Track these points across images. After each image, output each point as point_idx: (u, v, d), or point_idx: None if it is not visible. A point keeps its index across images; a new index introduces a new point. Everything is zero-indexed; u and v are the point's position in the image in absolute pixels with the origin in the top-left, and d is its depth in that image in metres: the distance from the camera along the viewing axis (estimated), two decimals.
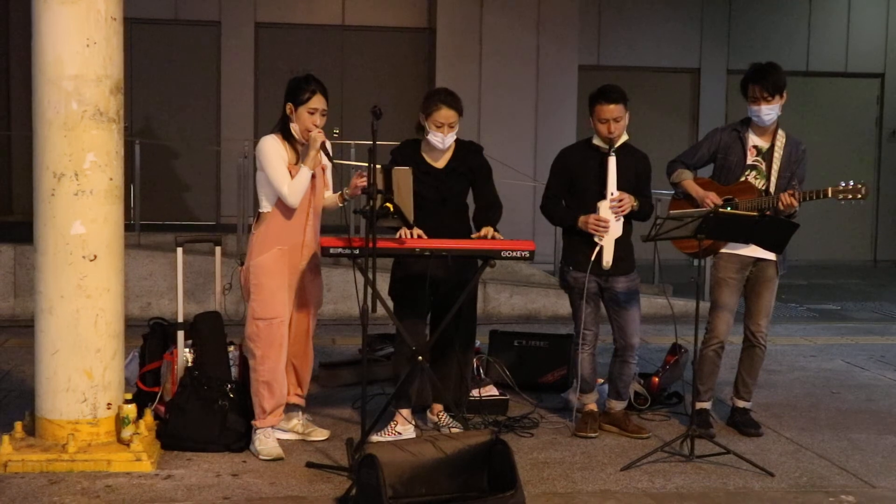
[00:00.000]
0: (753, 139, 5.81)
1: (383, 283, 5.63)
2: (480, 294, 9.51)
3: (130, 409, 5.12)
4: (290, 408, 5.58)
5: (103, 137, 5.05)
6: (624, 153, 5.67)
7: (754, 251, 5.70)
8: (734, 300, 5.85)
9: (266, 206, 5.34)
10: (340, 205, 5.51)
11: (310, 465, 5.12)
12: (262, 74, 13.00)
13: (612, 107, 5.57)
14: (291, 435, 5.56)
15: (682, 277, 10.25)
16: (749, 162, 5.80)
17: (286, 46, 13.19)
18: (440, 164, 5.61)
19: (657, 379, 6.40)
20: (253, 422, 5.33)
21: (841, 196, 5.64)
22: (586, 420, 5.82)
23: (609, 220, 5.56)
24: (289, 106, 5.31)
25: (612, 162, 5.57)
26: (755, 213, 5.45)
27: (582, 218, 5.61)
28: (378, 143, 4.93)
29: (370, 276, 4.97)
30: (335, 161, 5.35)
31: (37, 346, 5.15)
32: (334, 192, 5.56)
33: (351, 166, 10.31)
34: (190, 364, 5.58)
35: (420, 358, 5.30)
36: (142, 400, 5.52)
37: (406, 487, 4.30)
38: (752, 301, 5.90)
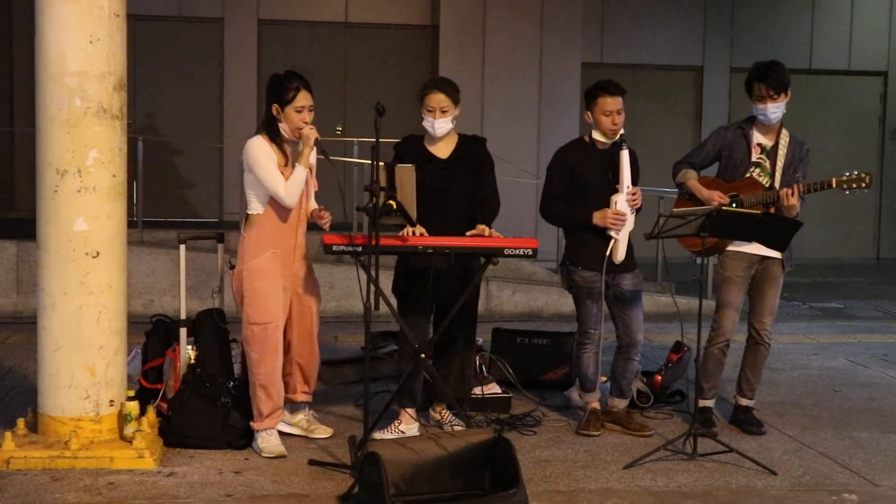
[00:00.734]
0: (758, 137, 5.82)
1: (386, 281, 5.63)
2: (483, 292, 9.51)
3: (133, 406, 5.12)
4: (297, 403, 5.57)
5: (106, 134, 5.05)
6: (615, 147, 5.65)
7: (760, 249, 5.70)
8: (740, 298, 5.86)
9: (257, 208, 5.27)
10: (309, 218, 5.46)
11: (312, 462, 5.12)
12: (265, 71, 12.97)
13: (615, 98, 5.58)
14: (296, 430, 5.55)
15: (684, 275, 10.24)
16: (753, 159, 5.80)
17: (289, 43, 13.19)
18: (443, 153, 5.60)
19: (660, 377, 6.40)
20: (252, 423, 5.32)
21: (845, 185, 5.62)
22: (589, 418, 5.81)
23: (627, 213, 5.56)
24: (275, 107, 5.24)
25: (624, 155, 5.57)
26: (758, 212, 5.46)
27: (598, 213, 5.58)
28: (381, 140, 4.92)
29: (373, 273, 4.96)
30: (338, 159, 5.32)
31: (39, 343, 5.15)
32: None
33: (353, 163, 10.32)
34: (192, 361, 5.58)
35: (423, 355, 5.30)
36: (144, 397, 5.53)
37: (408, 485, 4.30)
38: (756, 299, 5.90)
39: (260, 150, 5.21)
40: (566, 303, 6.06)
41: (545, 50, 12.75)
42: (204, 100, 13.12)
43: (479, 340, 6.36)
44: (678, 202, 5.97)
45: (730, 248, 5.77)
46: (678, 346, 6.68)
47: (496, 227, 5.58)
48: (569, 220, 5.78)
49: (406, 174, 5.09)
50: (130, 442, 5.03)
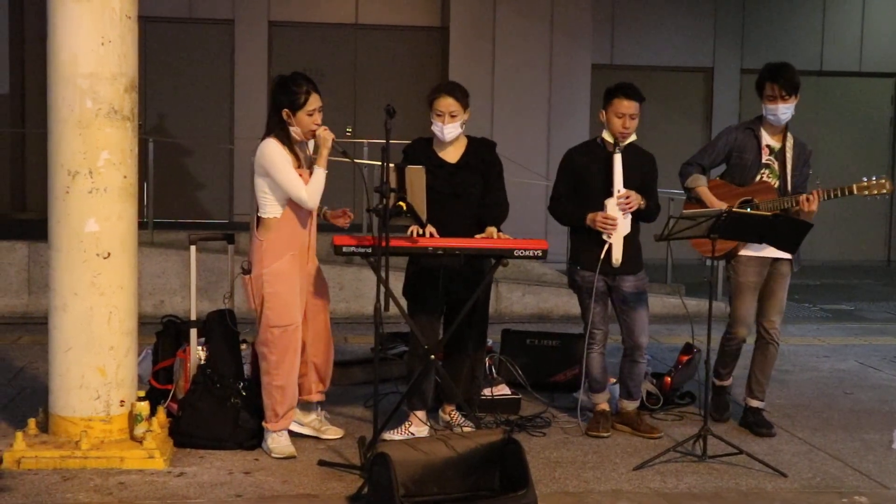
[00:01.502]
0: (766, 138, 5.84)
1: (397, 282, 5.63)
2: (493, 293, 9.51)
3: (143, 407, 5.14)
4: (310, 404, 5.59)
5: (118, 135, 5.07)
6: (631, 153, 5.67)
7: (772, 252, 5.71)
8: (754, 303, 5.89)
9: (275, 212, 5.23)
10: (319, 218, 5.48)
11: (322, 463, 5.13)
12: (276, 73, 12.83)
13: (630, 103, 5.59)
14: (308, 430, 5.56)
15: (694, 277, 10.24)
16: (763, 161, 5.81)
17: (299, 45, 13.22)
18: (452, 158, 5.60)
19: (670, 379, 6.39)
20: (264, 423, 5.33)
21: (867, 192, 5.63)
22: (598, 419, 5.81)
23: (617, 217, 5.56)
24: (285, 112, 5.20)
25: (617, 159, 5.58)
26: (769, 213, 5.45)
27: (590, 216, 5.61)
28: (391, 141, 4.93)
29: (383, 274, 4.97)
30: (347, 160, 5.32)
31: (50, 343, 5.17)
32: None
33: (363, 165, 10.33)
34: (202, 362, 5.59)
35: (433, 357, 5.30)
36: (154, 397, 5.54)
37: (418, 486, 4.30)
38: (765, 298, 5.91)
39: (277, 153, 5.17)
40: (576, 304, 6.05)
41: (555, 52, 12.75)
42: (214, 101, 13.15)
43: (489, 342, 6.36)
44: (686, 205, 5.96)
45: (742, 252, 5.78)
46: (688, 348, 6.67)
47: (505, 227, 5.59)
48: (567, 220, 5.83)
49: (416, 175, 5.09)
50: (141, 442, 5.04)
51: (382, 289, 4.94)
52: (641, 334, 5.74)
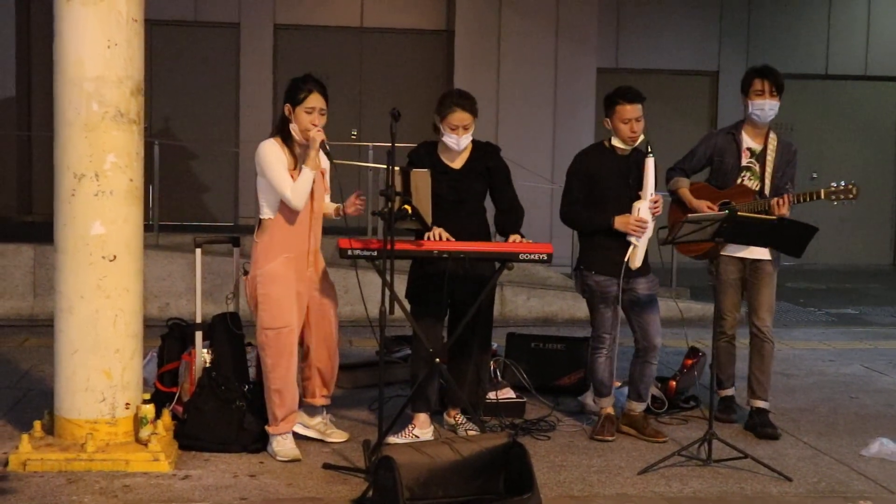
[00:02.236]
0: (747, 141, 5.97)
1: (401, 286, 5.64)
2: (497, 296, 9.51)
3: (148, 410, 5.14)
4: (315, 407, 5.59)
5: (124, 138, 5.08)
6: (636, 155, 5.66)
7: (751, 252, 5.89)
8: (737, 298, 6.10)
9: (268, 213, 5.27)
10: (335, 217, 5.47)
11: (326, 466, 5.13)
12: (281, 76, 13.03)
13: (633, 106, 5.59)
14: (313, 432, 5.56)
15: (698, 281, 10.23)
16: (744, 164, 5.92)
17: (305, 48, 13.24)
18: (457, 164, 5.61)
19: (674, 383, 6.39)
20: (267, 427, 5.33)
21: (833, 197, 5.78)
22: (603, 423, 5.80)
23: (648, 220, 5.57)
24: (287, 107, 5.26)
25: (650, 163, 5.57)
26: (774, 217, 5.47)
27: (620, 218, 5.57)
28: (396, 145, 4.93)
29: (388, 277, 4.97)
30: (353, 163, 5.33)
31: (56, 346, 5.18)
32: (333, 199, 5.53)
33: (368, 168, 10.35)
34: (208, 365, 5.59)
35: (437, 360, 5.30)
36: (160, 400, 5.54)
37: (422, 489, 4.30)
38: (753, 298, 6.03)
39: (270, 153, 5.21)
40: (581, 308, 6.07)
41: (560, 55, 12.75)
42: (220, 104, 13.17)
43: (494, 345, 6.36)
44: (671, 209, 6.05)
45: (723, 252, 5.89)
46: (693, 352, 6.67)
47: None
48: (589, 225, 5.75)
49: (421, 179, 5.09)
50: (146, 445, 5.05)
51: (387, 292, 4.94)
52: (656, 335, 5.74)
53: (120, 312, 5.11)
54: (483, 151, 5.66)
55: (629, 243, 5.59)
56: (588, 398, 6.24)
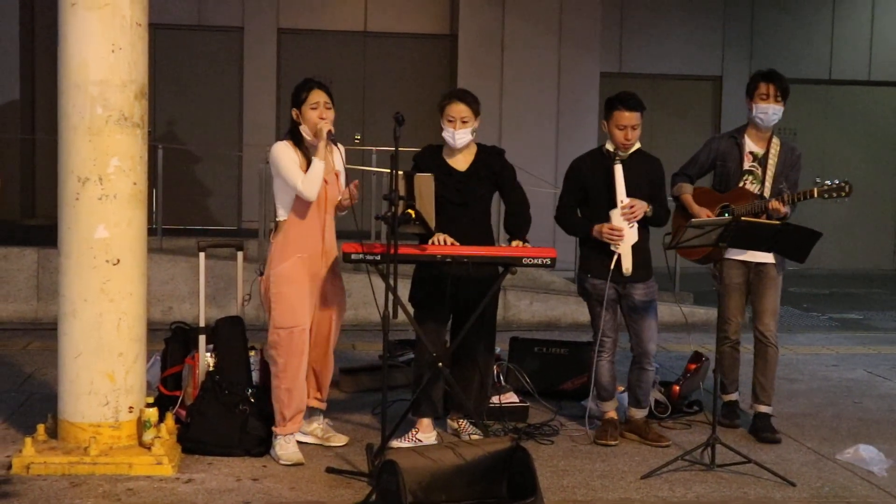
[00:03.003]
0: (750, 145, 5.98)
1: (404, 290, 5.64)
2: (501, 301, 9.48)
3: (152, 413, 5.14)
4: (310, 412, 5.58)
5: (127, 142, 5.09)
6: (637, 160, 5.67)
7: (754, 256, 5.86)
8: (741, 302, 6.04)
9: (283, 214, 5.33)
10: (338, 213, 5.50)
11: (330, 470, 5.13)
12: (285, 80, 13.05)
13: (631, 114, 5.59)
14: (311, 439, 5.56)
15: (702, 286, 10.22)
16: (746, 167, 5.93)
17: (308, 52, 13.25)
18: (462, 167, 5.61)
19: (678, 387, 6.38)
20: (273, 428, 5.34)
21: (826, 195, 5.77)
22: (606, 428, 5.80)
23: (622, 227, 5.56)
24: (294, 112, 5.34)
25: (618, 169, 5.58)
26: (777, 222, 5.47)
27: (595, 227, 5.61)
28: (400, 149, 4.94)
29: (391, 282, 4.97)
30: (356, 167, 5.35)
31: (60, 350, 5.19)
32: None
33: (372, 172, 10.35)
34: (211, 368, 5.60)
35: (440, 364, 5.30)
36: (163, 404, 5.54)
37: (425, 493, 4.30)
38: (757, 302, 6.02)
39: (282, 152, 5.29)
40: (584, 312, 6.06)
41: (563, 59, 12.75)
42: (223, 108, 13.19)
43: (497, 349, 6.35)
44: (674, 215, 6.06)
45: (726, 256, 5.89)
46: (697, 357, 6.67)
47: None
48: (573, 231, 5.85)
49: (425, 183, 5.10)
50: (149, 448, 5.05)
51: (391, 296, 4.95)
52: (650, 341, 5.74)
53: (123, 316, 5.12)
54: (487, 154, 5.67)
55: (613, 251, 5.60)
56: (591, 402, 6.23)
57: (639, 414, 5.87)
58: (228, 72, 13.19)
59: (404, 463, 4.24)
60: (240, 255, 6.13)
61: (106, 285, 5.06)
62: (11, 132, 12.38)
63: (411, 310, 5.56)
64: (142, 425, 5.15)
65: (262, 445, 5.36)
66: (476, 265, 5.36)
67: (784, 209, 5.74)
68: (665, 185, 5.84)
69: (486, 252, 5.36)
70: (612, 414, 5.88)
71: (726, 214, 5.76)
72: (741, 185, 5.93)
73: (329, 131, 5.24)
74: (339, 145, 5.44)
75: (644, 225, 5.67)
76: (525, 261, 5.33)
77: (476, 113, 5.55)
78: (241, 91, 13.12)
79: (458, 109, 5.50)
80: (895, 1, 14.92)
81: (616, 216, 5.57)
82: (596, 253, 5.68)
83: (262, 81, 13.07)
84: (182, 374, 5.81)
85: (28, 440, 5.04)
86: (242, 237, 9.34)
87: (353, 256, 5.17)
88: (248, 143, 12.77)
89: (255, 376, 5.70)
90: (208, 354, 5.67)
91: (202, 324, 5.74)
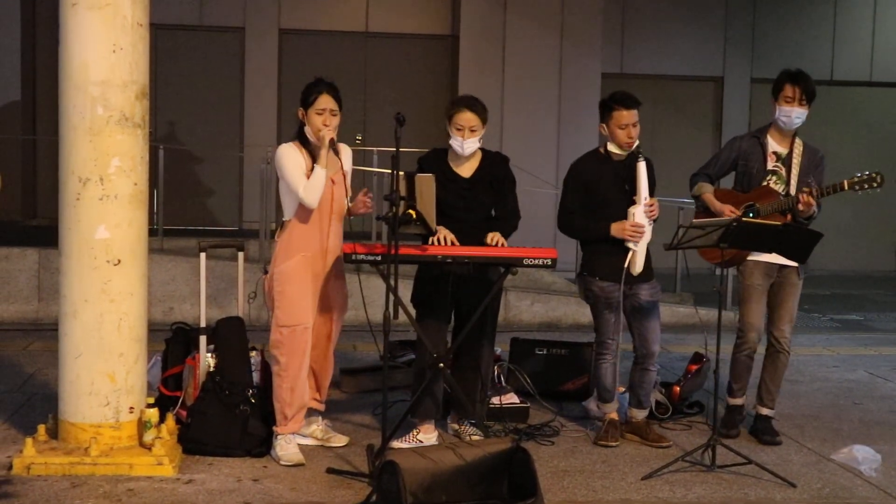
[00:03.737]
0: (773, 145, 5.87)
1: (406, 290, 5.64)
2: (502, 302, 9.46)
3: (152, 414, 5.14)
4: (309, 413, 5.58)
5: (128, 142, 5.08)
6: (630, 159, 5.65)
7: (777, 258, 5.72)
8: (762, 306, 5.89)
9: (289, 214, 5.35)
10: (346, 217, 5.48)
11: (330, 470, 5.13)
12: (286, 80, 13.06)
13: (630, 112, 5.58)
14: (311, 440, 5.57)
15: (703, 286, 10.22)
16: (770, 167, 5.83)
17: (310, 53, 13.25)
18: (466, 173, 5.60)
19: (678, 388, 6.38)
20: (274, 428, 5.34)
21: (857, 187, 5.67)
22: (607, 429, 5.80)
23: (644, 224, 5.56)
24: (300, 111, 5.35)
25: (641, 167, 5.56)
26: (778, 223, 5.45)
27: (616, 225, 5.57)
28: (401, 149, 4.94)
29: (392, 282, 4.97)
30: (358, 167, 5.35)
31: (60, 350, 5.19)
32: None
33: (373, 173, 10.35)
34: (212, 369, 5.60)
35: (441, 365, 5.30)
36: (164, 404, 5.54)
37: (426, 494, 4.29)
38: (775, 307, 5.92)
39: (286, 155, 5.29)
40: (585, 313, 6.06)
41: (565, 60, 12.76)
42: (224, 109, 13.19)
43: (498, 350, 6.35)
44: (696, 214, 5.99)
45: (749, 258, 5.80)
46: (697, 357, 6.66)
47: (515, 235, 5.58)
48: (586, 234, 5.78)
49: (426, 184, 5.09)
50: (150, 449, 5.05)
51: (392, 297, 4.94)
52: (654, 342, 5.73)
53: (124, 316, 5.12)
54: (492, 161, 5.65)
55: (628, 249, 5.58)
56: (592, 403, 6.23)
57: (640, 415, 5.87)
58: (229, 72, 13.20)
59: (405, 464, 4.24)
60: (240, 255, 6.13)
61: (107, 286, 5.06)
62: (12, 132, 12.39)
63: (413, 311, 5.55)
64: (142, 426, 5.15)
65: (262, 446, 5.35)
66: (477, 266, 5.35)
67: (814, 205, 5.63)
68: (655, 185, 5.80)
69: (487, 252, 5.36)
70: (614, 415, 5.87)
71: (751, 214, 5.69)
72: (764, 184, 5.84)
73: (332, 139, 5.23)
74: (334, 138, 5.37)
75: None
76: (526, 261, 5.32)
77: (484, 121, 5.53)
78: (242, 91, 13.13)
79: (468, 118, 5.48)
80: None
81: (640, 213, 5.55)
82: (604, 254, 5.65)
83: (264, 82, 13.07)
84: (183, 374, 5.81)
85: (29, 440, 5.04)
86: (243, 237, 9.36)
87: (353, 257, 5.17)
88: (249, 143, 12.77)
89: (255, 377, 5.70)
90: (209, 355, 5.67)
91: (203, 324, 5.74)
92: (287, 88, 12.96)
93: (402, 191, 5.03)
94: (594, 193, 5.67)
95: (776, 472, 5.21)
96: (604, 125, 5.69)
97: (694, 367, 6.58)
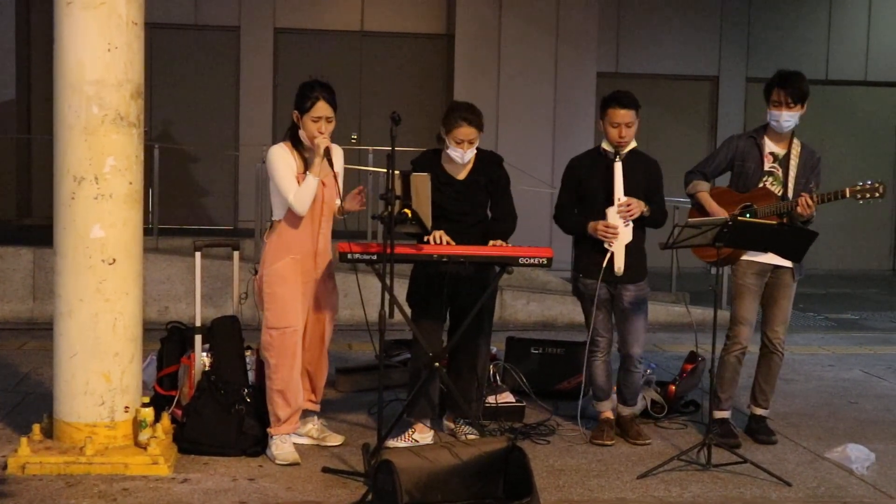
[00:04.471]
0: (770, 146, 5.84)
1: (401, 289, 5.63)
2: (497, 301, 9.50)
3: (148, 413, 5.14)
4: (304, 413, 5.58)
5: (123, 142, 5.08)
6: (633, 159, 5.66)
7: (772, 258, 5.71)
8: (755, 306, 5.87)
9: (278, 214, 5.33)
10: (338, 216, 5.46)
11: (326, 470, 5.13)
12: (281, 80, 13.04)
13: (624, 111, 5.58)
14: (306, 440, 5.56)
15: (698, 286, 10.21)
16: (766, 168, 5.82)
17: (305, 52, 13.24)
18: (461, 175, 5.60)
19: (674, 387, 6.38)
20: (268, 429, 5.34)
21: (859, 196, 5.64)
22: (602, 428, 5.81)
23: (618, 225, 5.56)
24: (295, 114, 5.29)
25: (617, 167, 5.58)
26: (773, 222, 5.45)
27: (591, 224, 5.61)
28: (396, 149, 4.93)
29: (387, 281, 4.97)
30: (353, 167, 5.34)
31: (55, 349, 5.18)
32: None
33: (368, 172, 10.35)
34: (207, 368, 5.59)
35: (437, 364, 5.30)
36: (159, 404, 5.55)
37: (422, 493, 4.29)
38: (769, 308, 5.91)
39: (278, 157, 5.26)
40: (580, 312, 6.05)
41: (560, 59, 12.76)
42: (220, 108, 13.17)
43: (494, 349, 6.35)
44: (690, 212, 5.99)
45: (743, 257, 5.79)
46: (693, 357, 6.66)
47: (512, 235, 5.58)
48: (571, 229, 5.83)
49: (421, 183, 5.09)
50: (145, 448, 5.05)
51: (387, 296, 4.94)
52: (634, 344, 5.73)
53: (119, 316, 5.11)
54: (486, 162, 5.64)
55: (607, 249, 5.59)
56: (587, 403, 6.23)
57: (625, 411, 5.90)
58: (225, 71, 13.18)
59: (400, 463, 4.24)
60: (236, 254, 6.12)
61: (102, 285, 5.06)
62: (8, 132, 12.37)
63: (408, 310, 5.55)
64: (138, 425, 5.14)
65: (258, 445, 5.35)
66: (473, 265, 5.35)
67: (814, 209, 5.60)
68: (662, 186, 5.81)
69: (482, 251, 5.36)
70: (609, 414, 5.88)
71: (748, 214, 5.68)
72: (761, 185, 5.83)
73: (326, 148, 5.20)
74: (331, 147, 5.36)
75: (640, 226, 5.67)
76: (521, 260, 5.32)
77: (481, 128, 5.52)
78: (238, 91, 13.11)
79: (467, 132, 5.46)
80: (892, 2, 14.94)
81: (612, 214, 5.57)
82: (588, 252, 5.68)
83: (259, 81, 13.06)
84: (178, 373, 5.81)
85: (24, 440, 5.03)
86: (239, 237, 9.35)
87: (349, 256, 5.16)
88: (245, 142, 12.76)
89: (251, 376, 5.69)
90: (204, 354, 5.66)
91: (198, 323, 5.73)
92: (282, 88, 12.94)
93: (398, 190, 5.02)
94: (586, 190, 5.70)
95: (771, 470, 5.22)
96: (601, 121, 5.71)
97: (689, 367, 6.58)
